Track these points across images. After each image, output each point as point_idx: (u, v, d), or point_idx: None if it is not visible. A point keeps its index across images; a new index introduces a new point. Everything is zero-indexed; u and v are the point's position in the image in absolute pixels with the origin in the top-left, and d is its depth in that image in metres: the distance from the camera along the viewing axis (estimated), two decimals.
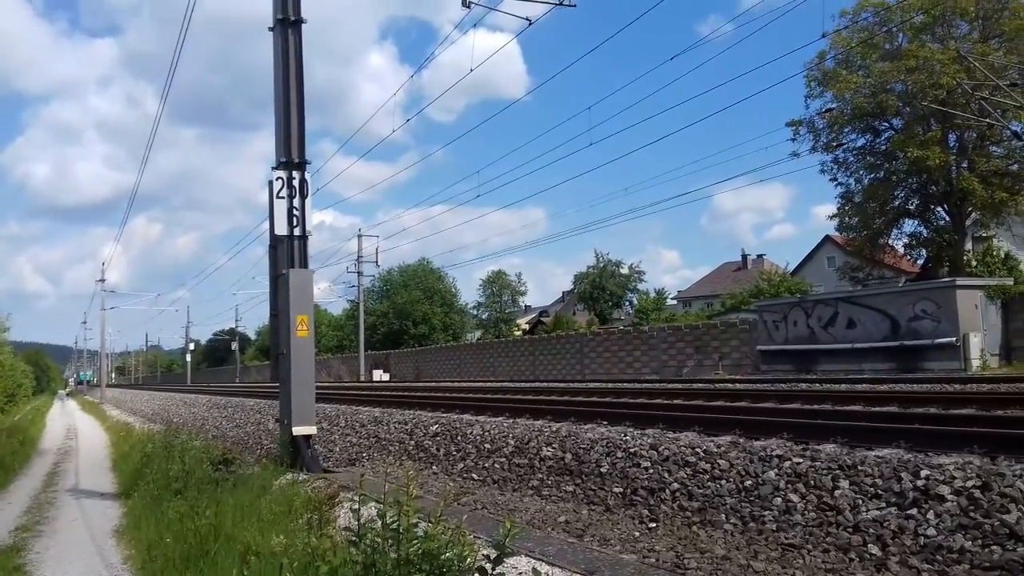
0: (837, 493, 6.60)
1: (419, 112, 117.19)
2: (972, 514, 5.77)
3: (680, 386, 20.41)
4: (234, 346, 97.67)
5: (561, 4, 13.66)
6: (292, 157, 10.09)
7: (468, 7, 12.54)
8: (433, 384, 35.93)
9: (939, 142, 32.29)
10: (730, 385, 19.75)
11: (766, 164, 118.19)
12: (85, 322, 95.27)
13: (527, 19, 13.72)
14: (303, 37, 10.45)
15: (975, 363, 23.88)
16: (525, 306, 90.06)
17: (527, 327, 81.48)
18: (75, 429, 28.81)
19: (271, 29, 10.48)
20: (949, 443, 7.22)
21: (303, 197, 10.03)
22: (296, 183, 9.99)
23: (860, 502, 6.40)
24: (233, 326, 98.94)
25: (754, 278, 58.74)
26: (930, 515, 5.92)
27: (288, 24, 10.28)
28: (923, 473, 6.36)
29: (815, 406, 12.45)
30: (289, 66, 10.24)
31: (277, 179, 9.99)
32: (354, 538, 4.27)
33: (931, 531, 5.78)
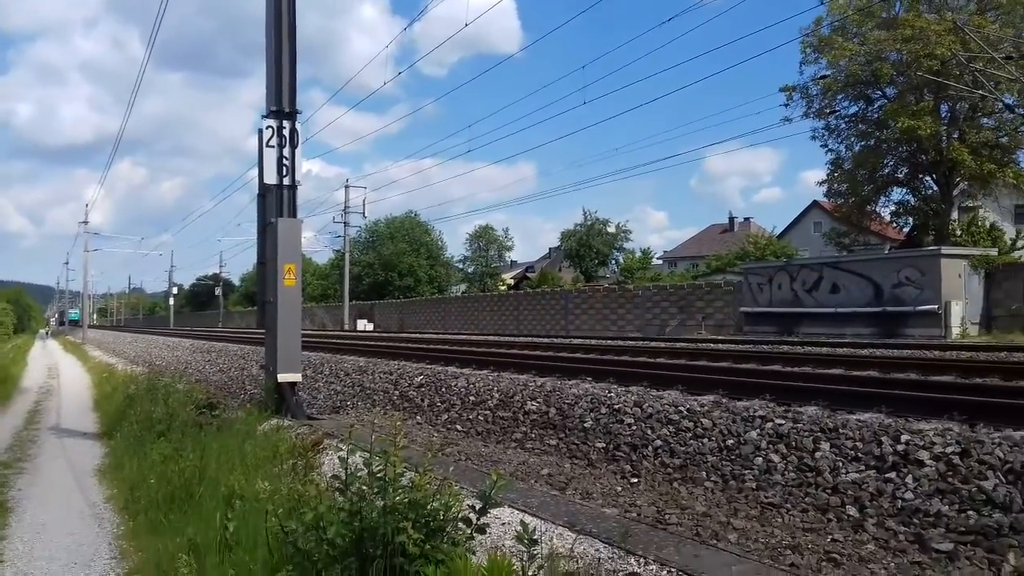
0: (818, 455, 6.68)
1: (411, 66, 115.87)
2: (950, 479, 5.85)
3: (663, 345, 20.53)
4: (218, 291, 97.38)
5: None
6: (283, 106, 9.98)
7: None
8: (417, 335, 36.00)
9: (931, 112, 32.29)
10: (713, 345, 19.87)
11: (758, 128, 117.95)
12: (67, 263, 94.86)
13: None
14: None
15: (955, 331, 24.12)
16: (511, 261, 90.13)
17: (512, 282, 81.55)
18: (57, 369, 28.76)
19: None
20: (929, 409, 7.31)
21: (293, 147, 9.94)
22: (286, 132, 9.89)
23: (840, 464, 6.48)
24: (217, 272, 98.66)
25: (740, 241, 58.88)
26: (908, 479, 6.00)
27: None
28: (903, 438, 6.43)
29: (797, 368, 12.56)
30: (281, 14, 10.07)
31: (267, 128, 9.88)
32: (340, 486, 4.28)
33: (909, 495, 5.86)
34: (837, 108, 36.50)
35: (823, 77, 34.84)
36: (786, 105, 36.68)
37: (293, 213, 10.05)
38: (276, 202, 9.93)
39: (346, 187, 56.06)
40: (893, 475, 6.12)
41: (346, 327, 55.04)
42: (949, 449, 6.13)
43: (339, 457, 4.46)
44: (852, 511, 5.92)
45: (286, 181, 9.90)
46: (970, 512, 5.47)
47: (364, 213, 55.97)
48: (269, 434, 7.94)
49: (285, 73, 10.03)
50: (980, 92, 29.58)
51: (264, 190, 10.13)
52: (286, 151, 9.83)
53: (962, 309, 24.66)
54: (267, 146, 9.82)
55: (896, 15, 33.80)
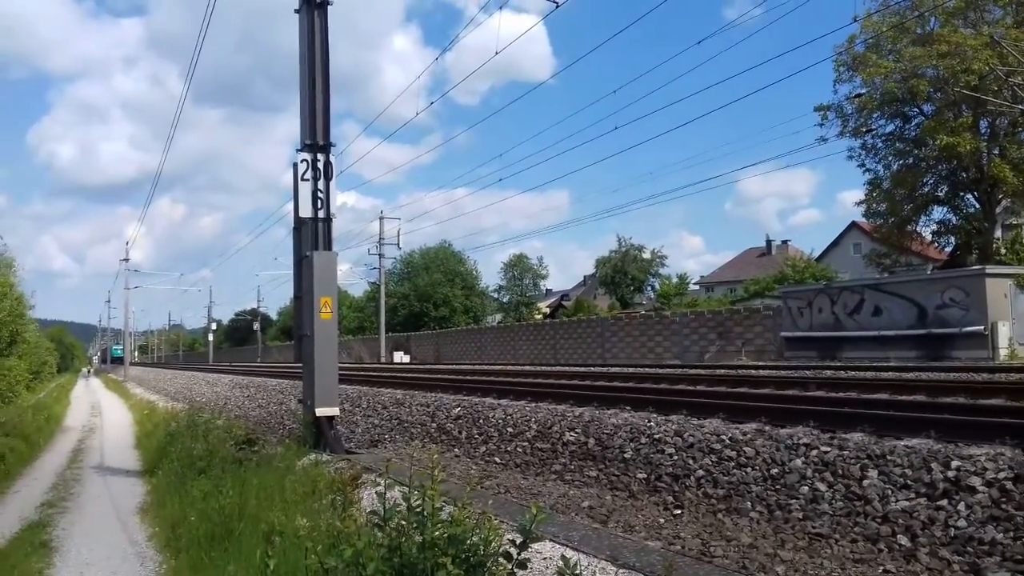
0: (865, 483, 6.51)
1: (443, 95, 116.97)
2: (1004, 506, 5.68)
3: (703, 372, 20.29)
4: (256, 326, 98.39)
5: None
6: (317, 139, 10.06)
7: None
8: (454, 366, 35.98)
9: (970, 128, 31.85)
10: (753, 371, 19.60)
11: (793, 149, 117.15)
12: (109, 300, 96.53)
13: (554, 2, 13.57)
14: (329, 19, 10.41)
15: (1003, 352, 23.57)
16: (546, 290, 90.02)
17: (548, 311, 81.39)
18: (99, 407, 29.16)
19: (297, 11, 10.43)
20: (979, 433, 7.09)
21: (327, 179, 10.02)
22: (320, 165, 9.97)
23: (889, 492, 6.31)
24: (255, 306, 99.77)
25: (778, 264, 58.31)
26: (961, 506, 5.83)
27: (314, 6, 10.23)
28: (954, 464, 6.26)
29: (841, 394, 12.32)
30: (315, 48, 10.20)
31: (302, 161, 9.98)
32: (379, 521, 4.24)
33: (962, 522, 5.69)
34: (873, 127, 36.18)
35: (858, 95, 34.58)
36: (821, 125, 36.45)
37: (328, 246, 10.11)
38: (311, 235, 9.99)
39: (380, 219, 56.50)
40: (945, 502, 5.95)
41: (383, 359, 55.22)
42: (1002, 475, 5.95)
43: (377, 492, 4.42)
44: (903, 540, 5.76)
45: (321, 214, 9.98)
46: None
47: (399, 244, 56.29)
48: (308, 469, 7.93)
49: (319, 106, 10.13)
50: (1020, 107, 29.15)
51: (300, 224, 10.21)
52: (321, 184, 9.91)
53: (1009, 329, 24.10)
54: (302, 179, 9.91)
55: (931, 31, 33.49)
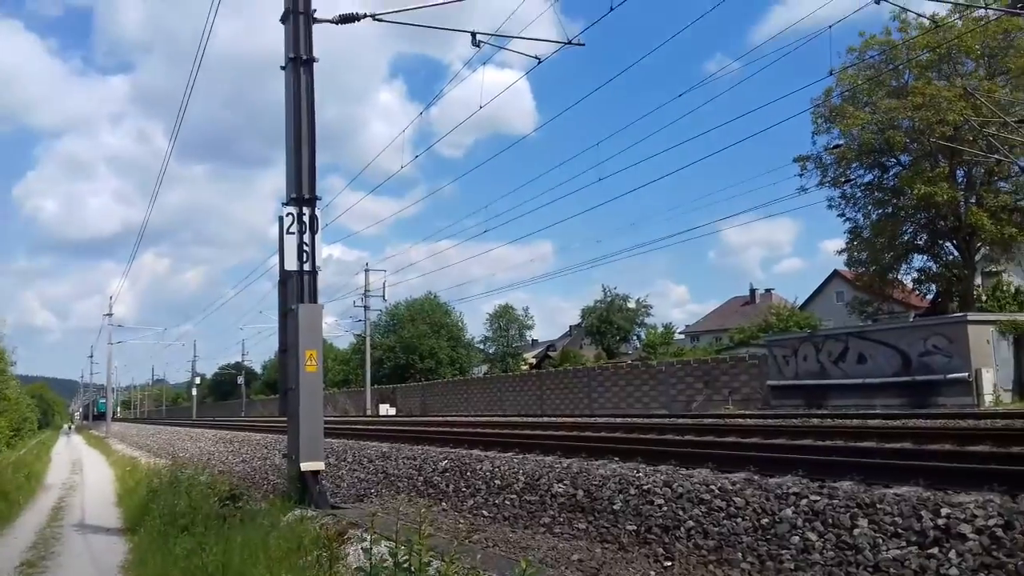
0: (856, 532, 6.48)
1: (428, 148, 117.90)
2: (995, 553, 5.65)
3: (691, 421, 20.25)
4: (240, 380, 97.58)
5: (570, 43, 13.71)
6: (303, 193, 10.09)
7: (478, 46, 12.55)
8: (440, 419, 35.74)
9: (947, 178, 32.39)
10: (740, 420, 19.57)
11: (774, 199, 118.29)
12: (92, 356, 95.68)
13: (536, 57, 13.78)
14: (314, 75, 10.52)
15: (988, 398, 23.68)
16: (532, 340, 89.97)
17: (534, 361, 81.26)
18: (80, 463, 28.68)
19: (283, 68, 10.54)
20: (968, 480, 7.09)
21: (313, 233, 10.03)
22: (306, 219, 9.99)
23: (880, 541, 6.28)
24: (239, 360, 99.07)
25: (762, 312, 58.62)
26: (952, 554, 5.80)
27: (300, 63, 10.33)
28: (943, 511, 6.24)
29: (828, 442, 12.30)
30: (300, 104, 10.29)
31: (287, 215, 9.99)
32: None
33: (953, 571, 5.66)
34: (852, 176, 36.77)
35: (836, 146, 35.15)
36: (800, 175, 37.00)
37: (314, 299, 10.09)
38: (297, 288, 9.97)
39: (366, 271, 56.55)
40: (936, 551, 5.92)
41: (368, 412, 54.80)
42: (992, 522, 5.93)
43: (364, 548, 4.37)
44: None
45: (306, 267, 9.96)
46: None
47: (384, 296, 56.24)
48: (293, 525, 7.81)
49: (304, 160, 10.18)
50: (995, 156, 29.71)
51: (285, 277, 10.19)
52: (306, 237, 9.92)
53: (993, 376, 24.25)
54: (287, 233, 9.91)
55: (906, 83, 34.21)
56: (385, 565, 4.17)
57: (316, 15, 10.54)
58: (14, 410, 38.95)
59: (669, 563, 7.11)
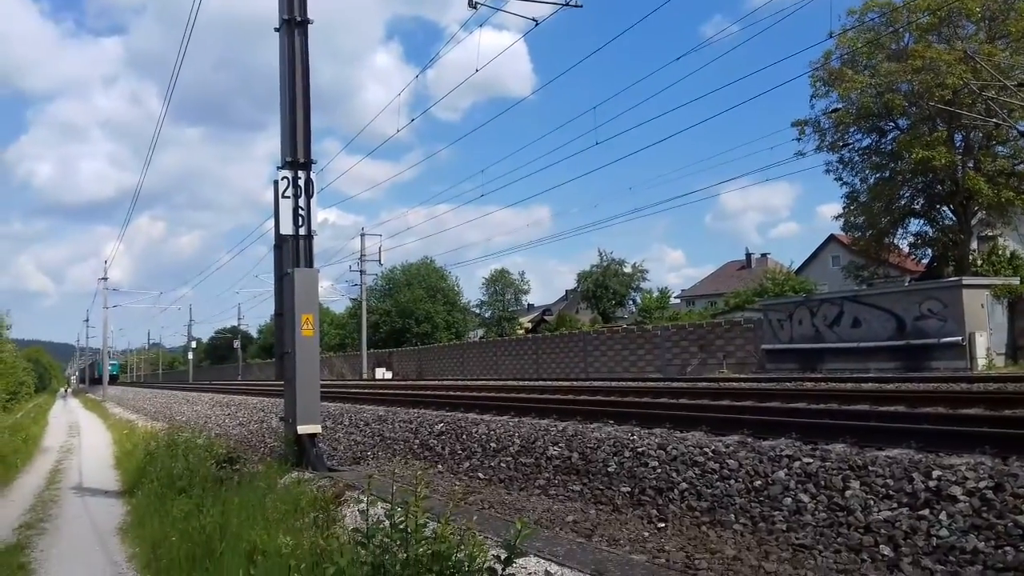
0: (848, 493, 6.55)
1: (424, 112, 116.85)
2: (985, 515, 5.71)
3: (685, 385, 20.35)
4: (236, 344, 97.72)
5: (568, 5, 13.57)
6: (298, 157, 10.03)
7: (475, 7, 12.45)
8: (436, 382, 35.89)
9: (945, 142, 32.21)
10: (735, 384, 19.67)
11: (771, 164, 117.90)
12: (87, 320, 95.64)
13: (534, 19, 13.65)
14: (309, 37, 10.40)
15: (981, 362, 23.79)
16: (528, 304, 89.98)
17: (530, 326, 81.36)
18: (77, 427, 28.79)
19: (277, 29, 10.41)
20: (959, 443, 7.15)
21: (308, 196, 9.98)
22: (301, 182, 9.94)
23: (871, 503, 6.34)
24: (236, 324, 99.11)
25: (758, 277, 58.66)
26: (942, 516, 5.87)
27: (294, 24, 10.21)
28: (935, 474, 6.31)
29: (822, 405, 12.38)
30: (295, 66, 10.18)
31: (283, 178, 9.93)
32: (362, 539, 4.22)
33: (944, 532, 5.72)
34: (850, 141, 36.58)
35: (835, 110, 34.90)
36: (798, 139, 36.80)
37: (310, 263, 10.06)
38: (293, 252, 9.94)
39: (362, 235, 56.33)
40: (926, 512, 5.99)
41: (364, 376, 54.99)
42: (982, 484, 6.00)
43: (361, 510, 4.40)
44: (886, 551, 5.78)
45: (302, 231, 9.93)
46: (1007, 548, 5.33)
47: (380, 261, 56.10)
48: (290, 487, 7.87)
49: (300, 123, 10.10)
50: (994, 120, 29.55)
51: (280, 241, 10.16)
52: (302, 201, 9.87)
53: (987, 340, 24.34)
54: (283, 197, 9.86)
55: (906, 46, 33.93)
56: (381, 526, 4.20)
57: None
58: (10, 374, 38.94)
59: (663, 524, 7.18)
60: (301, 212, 9.88)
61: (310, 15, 10.38)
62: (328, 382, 37.37)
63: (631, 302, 74.85)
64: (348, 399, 21.62)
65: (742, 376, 26.36)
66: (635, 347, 38.84)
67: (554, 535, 6.05)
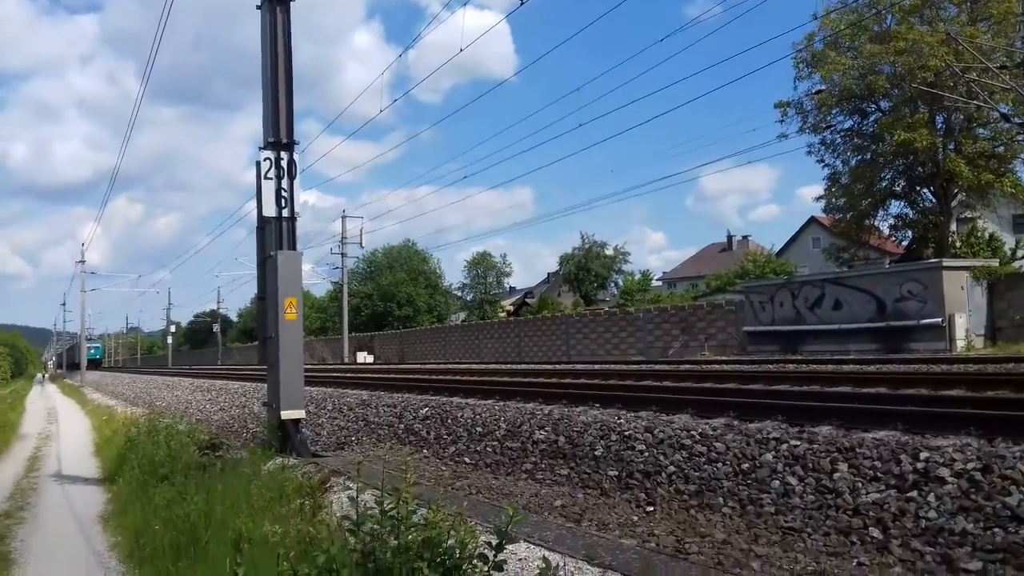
0: (836, 476, 6.54)
1: (406, 93, 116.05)
2: (973, 496, 5.72)
3: (668, 368, 20.38)
4: (216, 328, 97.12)
5: None
6: (280, 137, 9.89)
7: None
8: (419, 366, 35.81)
9: (926, 124, 32.36)
10: (717, 367, 19.71)
11: (753, 146, 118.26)
12: (64, 304, 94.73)
13: None
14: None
15: (960, 344, 23.97)
16: (510, 287, 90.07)
17: (512, 309, 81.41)
18: (55, 413, 28.52)
19: (259, 7, 10.24)
20: (945, 425, 7.16)
21: (291, 178, 9.85)
22: (284, 164, 9.80)
23: (859, 485, 6.34)
24: (215, 308, 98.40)
25: (739, 259, 58.93)
26: (931, 497, 5.87)
27: (276, 2, 10.05)
28: (922, 455, 6.31)
29: (806, 387, 12.40)
30: (277, 46, 10.02)
31: (265, 160, 9.79)
32: (352, 526, 4.16)
33: (932, 513, 5.73)
34: (832, 123, 36.65)
35: (818, 92, 34.95)
36: (781, 121, 36.89)
37: (293, 245, 9.95)
38: (275, 235, 9.82)
39: (343, 218, 56.02)
40: (915, 494, 5.99)
41: (346, 360, 54.82)
42: (970, 465, 6.00)
43: (349, 496, 4.33)
44: (875, 533, 5.78)
45: (285, 213, 9.80)
46: (996, 529, 5.34)
47: (361, 243, 55.90)
48: (274, 473, 7.79)
49: (282, 103, 9.95)
50: (975, 103, 29.66)
51: (263, 223, 10.03)
52: (284, 182, 9.74)
53: (966, 321, 24.52)
54: (265, 178, 9.72)
55: (888, 28, 33.97)
56: (371, 513, 4.13)
57: None
58: None
59: (651, 508, 7.16)
60: (284, 193, 9.75)
61: None
62: (310, 366, 37.18)
63: (613, 285, 75.05)
64: (330, 383, 21.51)
65: (724, 358, 26.45)
66: (617, 330, 38.90)
67: (543, 520, 6.02)
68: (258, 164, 9.83)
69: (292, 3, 10.19)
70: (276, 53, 9.97)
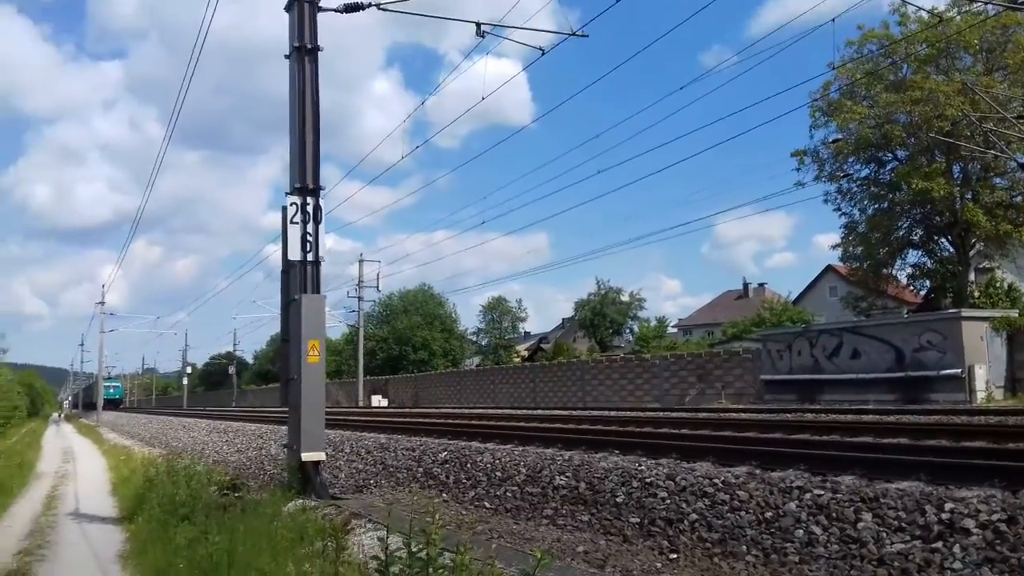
0: (860, 525, 6.51)
1: (427, 141, 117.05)
2: (998, 548, 5.69)
3: (686, 415, 20.29)
4: (231, 370, 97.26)
5: (574, 34, 13.65)
6: (307, 183, 10.04)
7: (482, 36, 12.52)
8: (434, 410, 35.73)
9: (943, 173, 32.40)
10: (735, 415, 19.61)
11: (769, 194, 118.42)
12: (83, 344, 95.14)
13: (540, 49, 13.70)
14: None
15: (980, 395, 23.75)
16: (525, 332, 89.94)
17: (526, 353, 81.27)
18: (72, 452, 28.57)
19: (287, 57, 10.47)
20: (969, 476, 7.12)
21: (316, 223, 9.98)
22: (310, 208, 9.94)
23: (884, 535, 6.31)
24: (231, 350, 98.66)
25: (755, 307, 58.78)
26: (956, 548, 5.84)
27: (305, 52, 10.26)
28: (947, 506, 6.28)
29: (826, 437, 12.33)
30: (305, 93, 10.22)
31: (291, 204, 9.93)
32: (380, 567, 4.19)
33: (957, 564, 5.70)
34: (849, 171, 36.77)
35: (834, 141, 35.12)
36: (798, 169, 37.04)
37: (317, 289, 10.05)
38: (300, 278, 9.92)
39: (360, 261, 56.24)
40: (940, 544, 5.95)
41: (360, 403, 54.73)
42: (995, 517, 5.98)
43: (378, 537, 4.36)
44: None
45: (310, 257, 9.92)
46: None
47: (378, 287, 56.03)
48: (295, 515, 7.80)
49: (309, 150, 10.12)
50: (992, 152, 29.72)
51: (288, 267, 10.14)
52: (310, 227, 9.87)
53: (986, 372, 24.32)
54: (291, 223, 9.85)
55: (904, 77, 34.21)
56: (399, 555, 4.16)
57: (321, 3, 10.48)
58: (5, 398, 38.74)
59: (674, 555, 7.13)
60: (309, 238, 9.87)
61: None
62: (325, 409, 37.12)
63: (628, 331, 74.90)
64: (348, 426, 21.52)
65: (741, 407, 26.29)
66: (633, 376, 38.73)
67: (566, 565, 6.00)
68: (284, 209, 9.97)
69: (320, 52, 10.42)
70: (304, 102, 10.17)
